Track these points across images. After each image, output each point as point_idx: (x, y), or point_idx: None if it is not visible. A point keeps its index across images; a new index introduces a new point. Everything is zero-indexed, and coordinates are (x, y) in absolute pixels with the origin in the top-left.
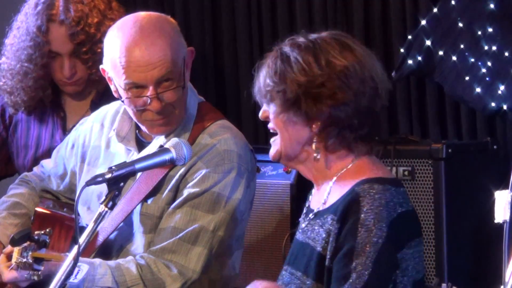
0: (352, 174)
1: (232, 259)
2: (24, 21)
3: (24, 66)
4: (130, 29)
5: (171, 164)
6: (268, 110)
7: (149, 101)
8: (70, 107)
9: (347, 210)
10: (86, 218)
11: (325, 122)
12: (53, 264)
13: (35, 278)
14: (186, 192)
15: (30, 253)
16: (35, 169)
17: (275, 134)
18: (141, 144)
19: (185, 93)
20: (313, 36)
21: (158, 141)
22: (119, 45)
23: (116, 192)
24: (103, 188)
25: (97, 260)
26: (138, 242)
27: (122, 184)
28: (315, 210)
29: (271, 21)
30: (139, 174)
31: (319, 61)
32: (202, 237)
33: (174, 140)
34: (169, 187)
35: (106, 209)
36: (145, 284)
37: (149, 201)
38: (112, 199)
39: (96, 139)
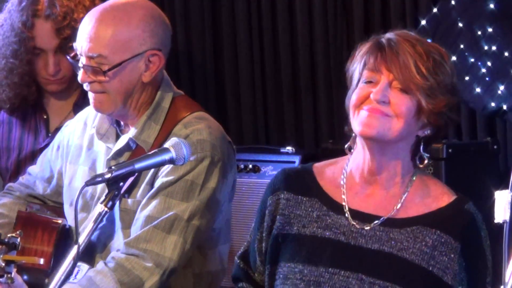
0: (428, 187)
1: (217, 253)
2: (8, 18)
3: (9, 62)
4: (104, 3)
5: (171, 164)
6: (390, 95)
7: (79, 69)
8: (53, 109)
9: (467, 229)
10: (70, 215)
11: (436, 132)
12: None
13: (9, 281)
14: (159, 182)
15: (0, 256)
16: (21, 178)
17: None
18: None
19: (118, 81)
20: (426, 40)
21: (127, 135)
22: None
23: (116, 192)
24: (87, 187)
25: (67, 286)
26: (120, 238)
27: (121, 183)
28: (385, 217)
29: (271, 21)
30: None
31: (453, 73)
32: (177, 225)
33: (173, 139)
34: (145, 181)
35: (106, 209)
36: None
37: (127, 197)
38: (111, 199)
39: (79, 138)
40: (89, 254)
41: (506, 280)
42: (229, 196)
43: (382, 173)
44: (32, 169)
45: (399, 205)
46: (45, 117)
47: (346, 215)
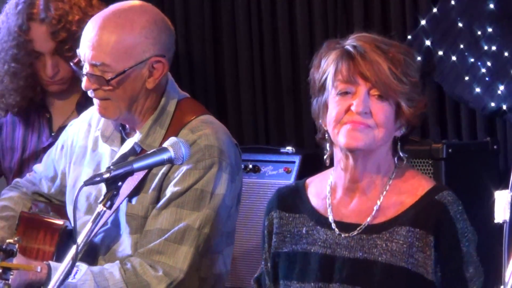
0: (405, 183)
1: (223, 256)
2: (5, 22)
3: (11, 66)
4: (108, 7)
5: (169, 164)
6: (370, 105)
7: (83, 75)
8: (56, 108)
9: (439, 221)
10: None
11: (411, 128)
12: (24, 274)
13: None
14: (169, 192)
15: None
16: (28, 175)
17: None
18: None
19: (121, 89)
20: (392, 41)
21: (133, 139)
22: None
23: (115, 192)
24: (91, 188)
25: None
26: (125, 243)
27: (120, 183)
28: (365, 223)
29: (271, 21)
30: None
31: (418, 68)
32: (188, 236)
33: (172, 139)
34: (152, 186)
35: (105, 208)
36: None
37: (134, 201)
38: (110, 199)
39: (83, 139)
40: (92, 256)
41: (506, 280)
42: (237, 199)
43: (363, 180)
44: (37, 167)
45: (374, 211)
46: (48, 116)
47: (332, 227)
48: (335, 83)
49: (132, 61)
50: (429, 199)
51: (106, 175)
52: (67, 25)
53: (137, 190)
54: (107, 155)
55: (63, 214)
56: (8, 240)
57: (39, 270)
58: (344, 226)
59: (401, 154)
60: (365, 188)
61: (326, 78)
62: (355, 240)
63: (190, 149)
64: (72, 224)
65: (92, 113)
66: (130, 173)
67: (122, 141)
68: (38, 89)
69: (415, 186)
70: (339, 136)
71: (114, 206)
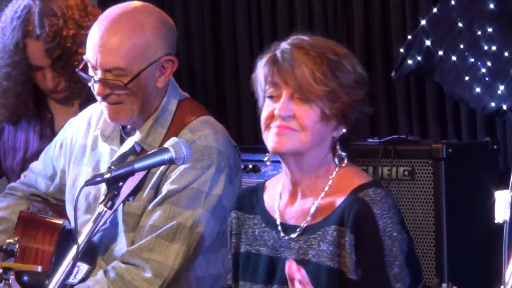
0: (339, 182)
1: (221, 256)
2: (1, 37)
3: (3, 84)
4: (110, 10)
5: (170, 164)
6: (293, 108)
7: (94, 83)
8: (58, 109)
9: (359, 218)
10: (73, 216)
11: (349, 129)
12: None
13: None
14: (165, 189)
15: None
16: (22, 176)
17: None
18: (125, 140)
19: (136, 91)
20: (328, 42)
21: (133, 138)
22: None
23: (115, 192)
24: (91, 187)
25: None
26: (123, 241)
27: (121, 183)
28: (303, 225)
29: (271, 21)
30: None
31: (355, 68)
32: (180, 234)
33: (173, 139)
34: (150, 185)
35: (105, 208)
36: None
37: (131, 200)
38: (111, 199)
39: (82, 137)
40: (91, 256)
41: (506, 280)
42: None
43: (303, 182)
44: (35, 166)
45: (312, 212)
46: (49, 116)
47: (278, 229)
48: (265, 87)
49: (145, 62)
50: (354, 196)
51: (107, 175)
52: (61, 42)
53: (135, 189)
54: (107, 154)
55: (61, 214)
56: (8, 240)
57: (39, 270)
58: (288, 228)
59: (341, 154)
60: (305, 190)
61: (258, 82)
62: (295, 241)
63: (190, 149)
64: (72, 224)
65: (92, 112)
66: (131, 173)
67: (122, 140)
68: (30, 105)
69: (347, 184)
70: (267, 140)
71: (115, 206)
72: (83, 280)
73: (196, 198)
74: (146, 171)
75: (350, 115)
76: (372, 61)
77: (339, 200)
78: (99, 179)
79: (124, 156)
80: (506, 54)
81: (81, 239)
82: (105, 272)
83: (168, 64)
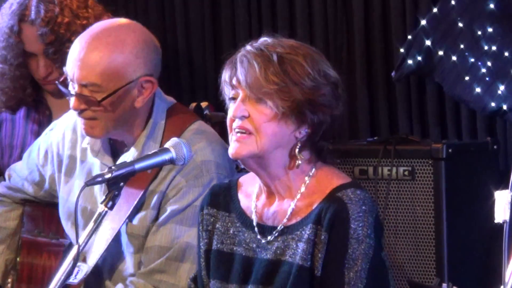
0: (317, 183)
1: None
2: (0, 21)
3: (0, 67)
4: (94, 25)
5: (170, 164)
6: (248, 108)
7: (70, 96)
8: (56, 105)
9: (334, 218)
10: (71, 234)
11: (313, 129)
12: None
13: None
14: (168, 209)
15: None
16: (7, 178)
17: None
18: (116, 154)
19: (111, 109)
20: (291, 42)
21: (127, 155)
22: None
23: (116, 192)
24: (86, 202)
25: None
26: (129, 262)
27: (122, 184)
28: (280, 226)
29: (271, 20)
30: None
31: (318, 70)
32: (189, 253)
33: (174, 140)
34: (151, 205)
35: (106, 209)
36: None
37: (134, 221)
38: (112, 199)
39: (70, 148)
40: (98, 278)
41: (506, 280)
42: None
43: (273, 184)
44: (19, 169)
45: (289, 213)
46: (48, 113)
47: (255, 230)
48: (227, 89)
49: (123, 81)
50: (332, 196)
51: (108, 175)
52: (55, 28)
53: (136, 209)
54: (97, 166)
55: (57, 223)
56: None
57: None
58: (265, 229)
59: (297, 155)
60: (280, 191)
61: (223, 85)
62: (273, 242)
63: (191, 150)
64: (72, 238)
65: (75, 119)
66: (132, 173)
67: (112, 154)
68: (28, 90)
69: (326, 185)
70: (230, 145)
71: (115, 226)
72: (83, 280)
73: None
74: (144, 189)
75: (308, 115)
76: (372, 61)
77: (317, 200)
78: (100, 179)
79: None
80: (506, 54)
81: (82, 239)
82: (125, 286)
83: (147, 84)
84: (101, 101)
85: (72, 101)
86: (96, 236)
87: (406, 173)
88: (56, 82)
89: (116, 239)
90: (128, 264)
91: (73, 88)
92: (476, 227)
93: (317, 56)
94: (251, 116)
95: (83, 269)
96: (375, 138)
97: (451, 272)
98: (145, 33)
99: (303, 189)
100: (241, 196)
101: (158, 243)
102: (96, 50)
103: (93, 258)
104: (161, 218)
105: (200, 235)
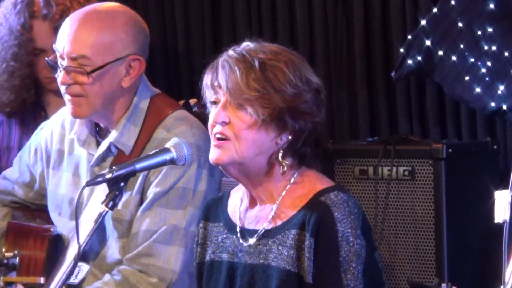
0: (300, 187)
1: None
2: (5, 22)
3: (10, 65)
4: (86, 7)
5: (172, 164)
6: (228, 114)
7: (59, 71)
8: (52, 107)
9: (320, 222)
10: (59, 224)
11: (295, 135)
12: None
13: None
14: (151, 193)
15: (1, 277)
16: None
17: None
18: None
19: (99, 85)
20: (273, 47)
21: (108, 139)
22: None
23: (117, 192)
24: (73, 193)
25: None
26: (113, 247)
27: (122, 184)
28: (261, 229)
29: (271, 21)
30: None
31: (300, 76)
32: (176, 235)
33: (174, 140)
34: (135, 189)
35: (107, 209)
36: None
37: (118, 206)
38: (112, 199)
39: (58, 142)
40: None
41: (506, 280)
42: (217, 193)
43: (255, 189)
44: (9, 174)
45: (270, 216)
46: (44, 115)
47: (238, 235)
48: (208, 93)
49: (111, 56)
50: (315, 200)
51: (109, 176)
52: None
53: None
54: (84, 158)
55: (47, 220)
56: (7, 254)
57: (42, 282)
58: (248, 233)
59: (281, 161)
60: (261, 195)
61: (204, 88)
62: (255, 246)
63: (192, 150)
64: (62, 231)
65: (64, 116)
66: (133, 173)
67: (98, 144)
68: (32, 91)
69: (309, 189)
70: (210, 151)
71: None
72: (84, 280)
73: (183, 196)
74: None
75: (289, 122)
76: (372, 61)
77: (300, 205)
78: (100, 179)
79: (102, 159)
80: (506, 54)
81: (82, 239)
82: (111, 275)
83: (135, 63)
84: (90, 72)
85: (61, 76)
86: (82, 223)
87: (406, 173)
88: (46, 59)
89: (101, 225)
90: (113, 250)
91: (62, 65)
92: (476, 227)
93: (299, 61)
94: (231, 122)
95: (84, 269)
96: (375, 138)
97: (451, 272)
98: (135, 16)
99: (284, 192)
100: (229, 204)
101: (144, 227)
102: (87, 25)
103: (84, 236)
104: (145, 203)
105: (195, 250)
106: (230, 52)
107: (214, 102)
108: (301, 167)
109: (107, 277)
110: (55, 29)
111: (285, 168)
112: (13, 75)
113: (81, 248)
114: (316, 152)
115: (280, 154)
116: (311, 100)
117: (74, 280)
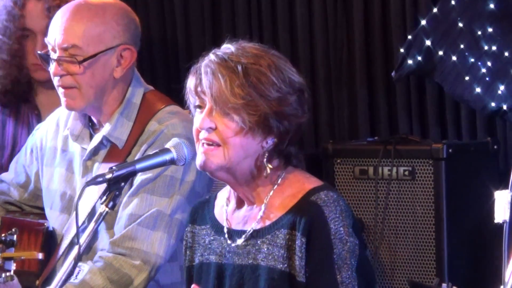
0: (289, 187)
1: None
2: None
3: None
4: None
5: (172, 165)
6: (214, 120)
7: (51, 63)
8: (45, 105)
9: (311, 222)
10: (51, 217)
11: (280, 137)
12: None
13: (8, 279)
14: (138, 179)
15: None
16: None
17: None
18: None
19: (91, 75)
20: (254, 50)
21: (101, 133)
22: None
23: (117, 192)
24: (66, 188)
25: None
26: (104, 239)
27: (122, 184)
28: (250, 229)
29: (271, 21)
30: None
31: (284, 78)
32: (160, 221)
33: (174, 140)
34: None
35: (107, 209)
36: (114, 286)
37: None
38: (113, 199)
39: (52, 139)
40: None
41: (506, 280)
42: (207, 188)
43: (243, 190)
44: (5, 176)
45: (259, 216)
46: (36, 113)
47: (226, 236)
48: (192, 97)
49: (102, 45)
50: (305, 200)
51: (109, 176)
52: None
53: None
54: (78, 154)
55: (39, 215)
56: (3, 234)
57: (40, 257)
58: (235, 234)
59: (265, 164)
60: (249, 196)
61: (188, 92)
62: (243, 246)
63: (192, 150)
64: (56, 227)
65: (59, 114)
66: (133, 173)
67: (91, 137)
68: (24, 71)
69: (298, 189)
70: (197, 156)
71: (91, 203)
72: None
73: (171, 185)
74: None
75: (274, 126)
76: (372, 61)
77: (290, 205)
78: (100, 179)
79: (94, 152)
80: (506, 54)
81: (68, 241)
82: (93, 263)
83: (126, 53)
84: (82, 61)
85: (53, 67)
86: (72, 215)
87: (406, 173)
88: (38, 52)
89: (91, 216)
90: (104, 241)
91: (54, 55)
92: (476, 227)
93: (281, 62)
94: (218, 128)
95: (84, 269)
96: (375, 138)
97: (451, 272)
98: (126, 7)
99: (271, 193)
100: (216, 205)
101: (129, 211)
102: (77, 16)
103: (84, 236)
104: (132, 188)
105: (184, 254)
106: (212, 56)
107: (199, 106)
108: (288, 167)
109: (90, 265)
110: (47, 10)
111: (269, 172)
112: (1, 49)
113: (81, 248)
114: (302, 151)
115: (265, 157)
116: (295, 102)
117: (74, 280)
